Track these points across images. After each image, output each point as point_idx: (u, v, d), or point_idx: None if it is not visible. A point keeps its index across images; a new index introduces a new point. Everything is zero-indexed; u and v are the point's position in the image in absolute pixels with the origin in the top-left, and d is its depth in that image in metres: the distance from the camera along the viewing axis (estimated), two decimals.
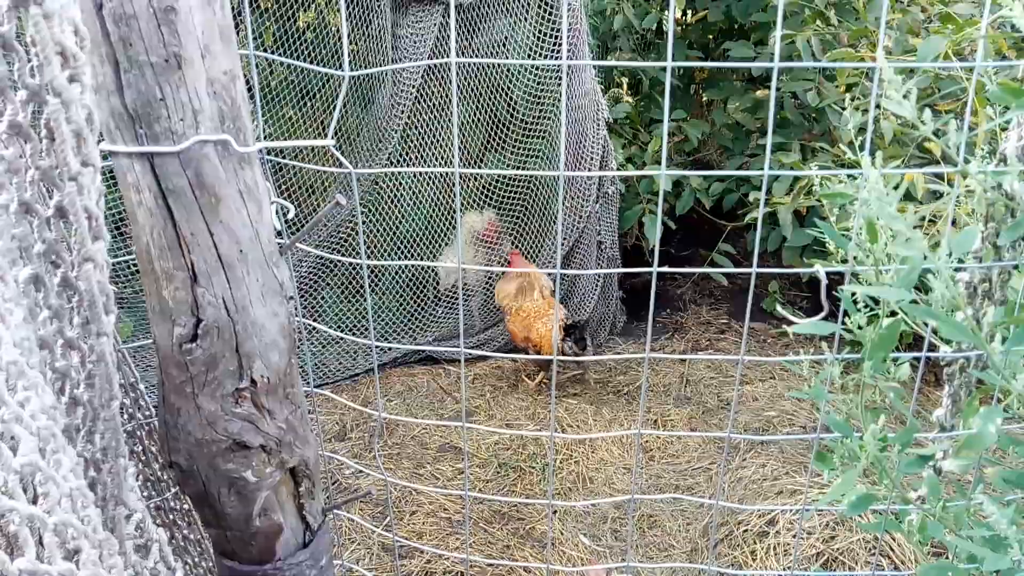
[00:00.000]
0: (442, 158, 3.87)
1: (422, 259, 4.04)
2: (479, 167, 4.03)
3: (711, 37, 4.81)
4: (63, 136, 0.70)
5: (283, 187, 3.59)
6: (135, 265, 1.07)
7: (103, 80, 0.92)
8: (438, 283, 4.18)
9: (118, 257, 3.20)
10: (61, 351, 0.86)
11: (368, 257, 3.99)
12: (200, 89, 0.96)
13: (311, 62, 3.46)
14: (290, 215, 1.17)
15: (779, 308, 1.24)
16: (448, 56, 3.65)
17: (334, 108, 3.54)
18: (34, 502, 0.79)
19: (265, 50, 3.38)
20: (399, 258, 3.98)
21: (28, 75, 0.71)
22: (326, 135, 1.11)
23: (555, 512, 2.91)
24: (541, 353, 3.63)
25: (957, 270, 1.33)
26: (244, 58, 1.12)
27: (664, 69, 1.02)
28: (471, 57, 3.76)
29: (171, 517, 1.50)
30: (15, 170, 0.72)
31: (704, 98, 4.96)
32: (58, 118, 0.69)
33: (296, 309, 1.21)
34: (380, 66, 3.61)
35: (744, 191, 4.31)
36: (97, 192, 0.78)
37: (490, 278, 4.23)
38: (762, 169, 1.15)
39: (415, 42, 3.59)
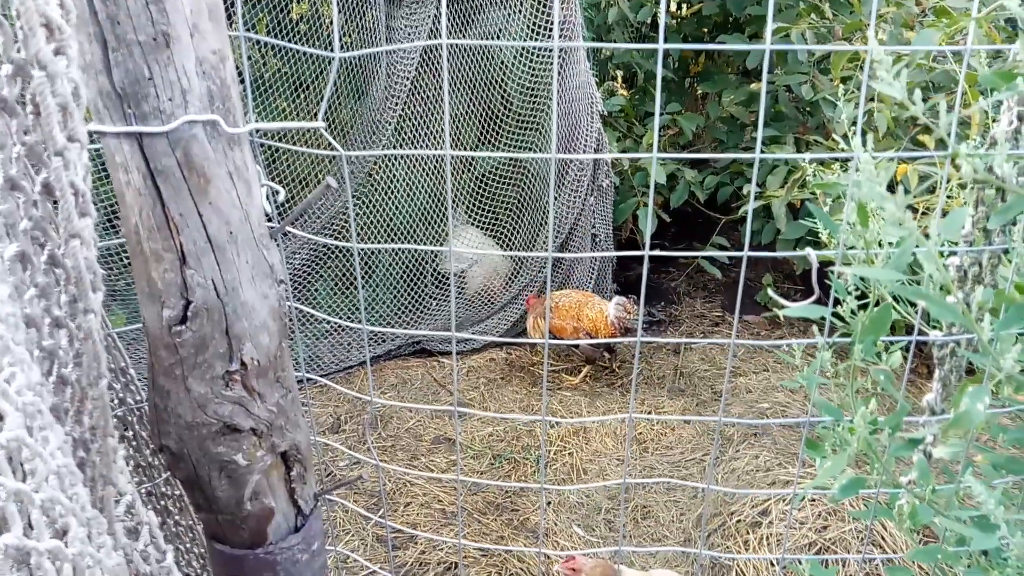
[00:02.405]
0: (436, 150, 3.86)
1: (416, 252, 4.04)
2: (473, 159, 4.03)
3: (706, 31, 4.81)
4: (48, 110, 0.69)
5: (276, 179, 3.58)
6: (129, 257, 1.07)
7: (91, 59, 0.91)
8: (464, 286, 4.24)
9: (111, 249, 3.17)
10: (49, 330, 0.85)
11: (362, 252, 3.99)
12: (189, 68, 0.95)
13: (304, 54, 3.45)
14: (280, 198, 1.17)
15: (770, 292, 1.24)
16: (442, 51, 3.63)
17: (329, 99, 3.53)
18: (23, 482, 0.78)
19: (258, 40, 3.37)
20: (393, 251, 3.98)
21: (13, 49, 0.71)
22: (321, 130, 1.11)
23: (549, 503, 2.91)
24: (597, 337, 3.61)
25: (948, 255, 1.33)
26: (234, 41, 1.11)
27: (657, 54, 1.02)
28: (465, 51, 3.75)
29: (162, 503, 1.50)
30: (0, 145, 0.71)
31: (699, 91, 4.96)
32: (43, 91, 0.68)
33: (287, 293, 1.20)
34: (374, 61, 3.61)
35: (738, 184, 4.32)
36: (84, 168, 0.77)
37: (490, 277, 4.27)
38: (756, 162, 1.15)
39: (409, 35, 3.58)
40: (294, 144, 3.60)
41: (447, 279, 4.19)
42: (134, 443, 1.42)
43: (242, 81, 1.12)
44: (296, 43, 3.39)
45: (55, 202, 0.81)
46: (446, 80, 1.00)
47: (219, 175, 1.03)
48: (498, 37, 3.74)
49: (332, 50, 1.11)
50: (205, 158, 1.00)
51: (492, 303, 4.23)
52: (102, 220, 3.16)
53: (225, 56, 1.01)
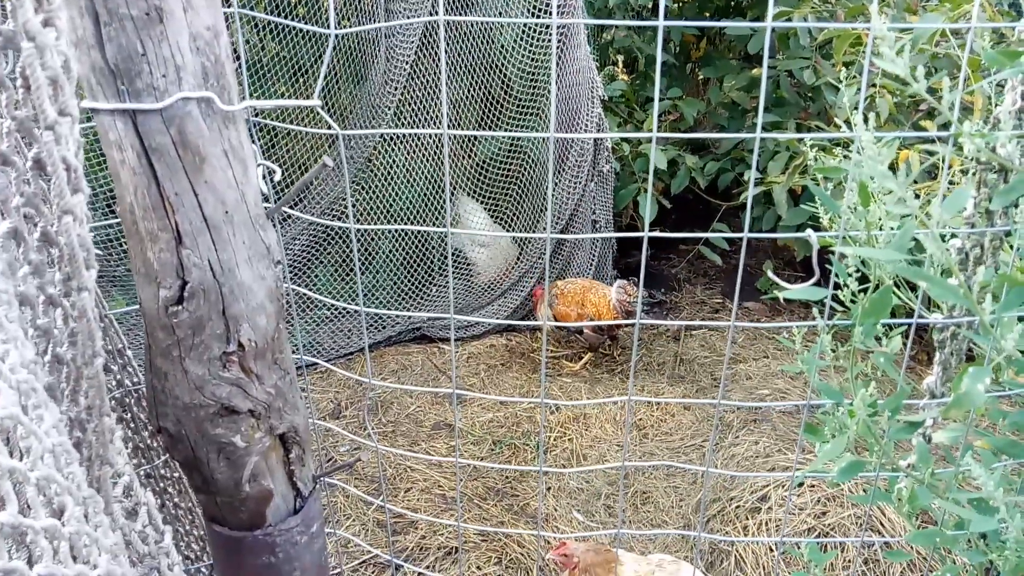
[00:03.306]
0: (436, 136, 3.85)
1: (416, 237, 4.03)
2: (473, 144, 4.01)
3: (707, 16, 4.77)
4: (38, 83, 0.68)
5: (276, 162, 3.56)
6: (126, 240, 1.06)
7: (83, 34, 0.90)
8: (476, 274, 4.26)
9: (110, 235, 3.14)
10: (43, 308, 0.85)
11: (362, 238, 3.98)
12: (183, 44, 0.94)
13: (302, 38, 3.42)
14: (276, 177, 1.16)
15: (770, 274, 1.23)
16: (439, 28, 3.61)
17: (325, 79, 3.51)
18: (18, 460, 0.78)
19: (256, 25, 3.35)
20: (393, 236, 3.97)
21: (1, 22, 0.70)
22: (317, 108, 1.09)
23: (548, 488, 2.92)
24: (601, 320, 3.64)
25: (950, 236, 1.32)
26: (230, 18, 1.10)
27: (657, 33, 1.00)
28: (464, 34, 3.73)
29: (162, 485, 1.50)
30: None
31: (700, 77, 4.93)
32: (33, 64, 0.67)
33: (284, 274, 1.19)
34: (373, 45, 3.58)
35: (739, 170, 4.30)
36: (75, 143, 0.76)
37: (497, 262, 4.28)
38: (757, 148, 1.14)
39: (408, 18, 3.56)
40: (294, 137, 3.58)
41: (456, 260, 4.19)
42: (132, 425, 1.42)
43: (237, 59, 1.11)
44: (294, 27, 3.37)
45: (48, 179, 0.80)
46: (443, 58, 0.99)
47: (214, 154, 1.02)
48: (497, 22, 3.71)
49: (329, 31, 1.10)
50: (200, 136, 0.99)
51: (493, 289, 4.23)
52: (101, 204, 3.15)
53: (219, 32, 1.00)
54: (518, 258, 4.28)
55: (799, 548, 1.45)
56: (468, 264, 4.25)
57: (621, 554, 2.03)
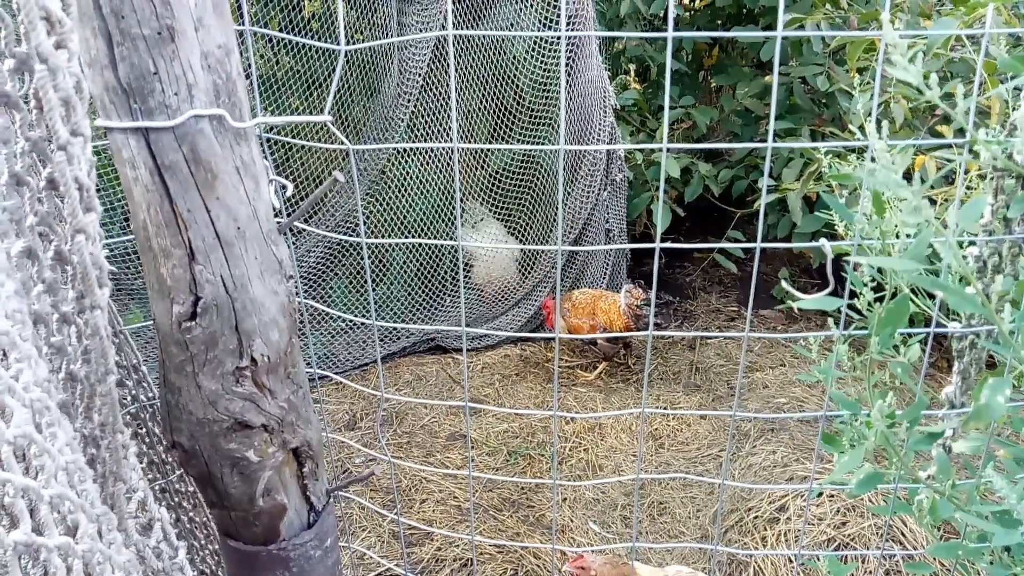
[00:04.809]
0: (448, 148, 3.86)
1: (428, 249, 4.04)
2: (485, 155, 4.02)
3: (719, 23, 4.76)
4: (51, 104, 0.69)
5: (289, 176, 3.59)
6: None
7: (96, 54, 0.91)
8: (476, 284, 4.28)
9: (128, 247, 3.18)
10: (57, 326, 0.85)
11: (375, 250, 4.00)
12: (194, 62, 0.95)
13: (316, 52, 3.45)
14: (288, 192, 1.16)
15: (784, 284, 1.22)
16: (453, 47, 3.63)
17: (338, 92, 3.53)
18: (32, 479, 0.78)
19: (270, 39, 3.38)
20: (406, 247, 3.98)
21: (15, 44, 0.71)
22: (328, 124, 1.10)
23: (564, 499, 2.90)
24: (612, 331, 3.63)
25: (968, 244, 1.30)
26: (241, 36, 1.11)
27: (667, 42, 1.00)
28: (476, 46, 3.74)
29: (176, 499, 1.50)
30: (4, 140, 0.71)
31: (713, 84, 4.92)
32: (45, 86, 0.68)
33: (297, 288, 1.20)
34: (386, 58, 3.60)
35: (753, 177, 4.28)
36: (87, 163, 0.77)
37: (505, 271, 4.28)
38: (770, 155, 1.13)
39: (420, 31, 3.58)
40: (307, 140, 3.60)
41: (466, 271, 4.19)
42: (147, 440, 1.43)
43: (249, 76, 1.11)
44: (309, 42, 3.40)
45: (61, 198, 0.81)
46: (453, 72, 0.99)
47: (226, 170, 1.02)
48: (509, 31, 3.73)
49: (341, 48, 1.11)
50: (212, 153, 1.00)
51: (506, 299, 4.23)
52: (119, 218, 3.19)
53: (230, 50, 1.01)
54: (530, 268, 4.28)
55: (819, 560, 1.43)
56: (469, 273, 4.27)
57: (638, 566, 2.01)
